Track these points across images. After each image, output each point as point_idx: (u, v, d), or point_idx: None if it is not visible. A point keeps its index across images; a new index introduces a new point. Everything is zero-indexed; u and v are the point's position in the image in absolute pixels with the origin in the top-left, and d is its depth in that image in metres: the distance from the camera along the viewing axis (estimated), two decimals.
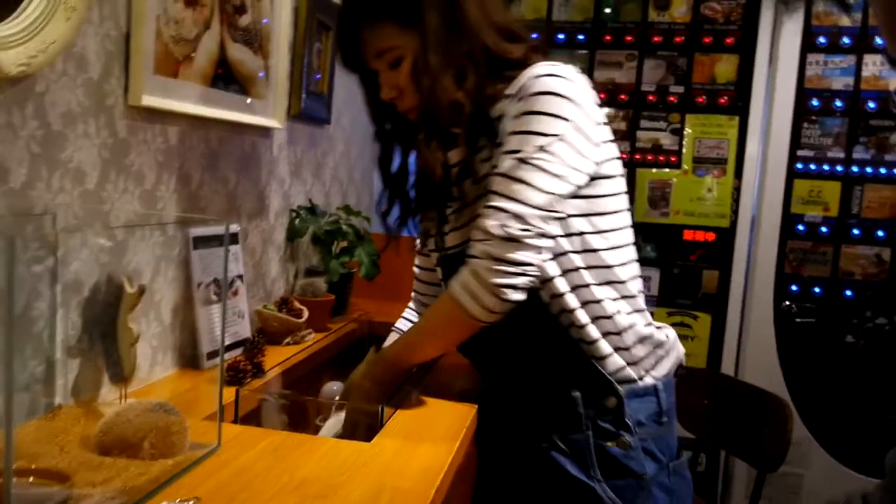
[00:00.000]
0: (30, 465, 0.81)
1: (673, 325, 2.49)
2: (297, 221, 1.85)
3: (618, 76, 2.57)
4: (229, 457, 0.97)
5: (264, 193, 1.72)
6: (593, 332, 1.11)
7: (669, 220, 2.55)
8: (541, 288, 1.10)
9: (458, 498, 1.17)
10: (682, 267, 2.56)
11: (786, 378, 2.45)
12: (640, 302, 1.18)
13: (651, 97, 2.54)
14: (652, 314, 1.22)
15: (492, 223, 1.03)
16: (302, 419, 1.39)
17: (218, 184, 1.50)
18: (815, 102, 2.42)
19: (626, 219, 1.17)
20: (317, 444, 1.05)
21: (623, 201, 1.16)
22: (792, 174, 2.46)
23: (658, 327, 1.20)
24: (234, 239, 1.55)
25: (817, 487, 2.46)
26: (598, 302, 1.11)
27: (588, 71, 2.60)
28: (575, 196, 1.09)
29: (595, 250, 1.12)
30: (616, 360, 1.12)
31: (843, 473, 2.42)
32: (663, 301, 2.56)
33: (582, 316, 1.11)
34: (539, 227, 1.03)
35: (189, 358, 1.39)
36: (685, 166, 2.54)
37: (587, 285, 1.11)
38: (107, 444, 0.91)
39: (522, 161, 1.04)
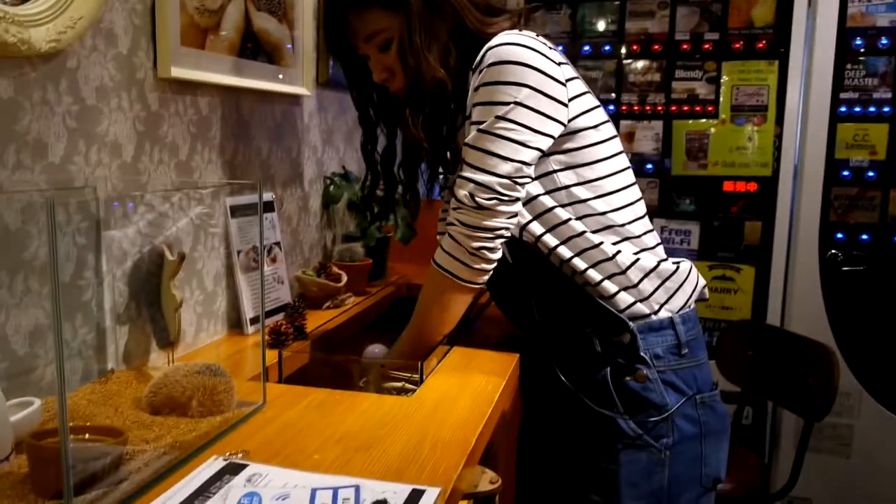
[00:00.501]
0: (85, 423, 0.85)
1: (714, 279, 2.49)
2: (331, 188, 1.87)
3: (650, 26, 2.51)
4: (274, 413, 1.00)
5: (297, 161, 1.74)
6: (595, 274, 1.15)
7: (708, 171, 2.50)
8: (535, 244, 1.16)
9: (503, 447, 1.19)
10: (723, 219, 2.51)
11: (833, 329, 2.40)
12: (648, 240, 1.21)
13: (685, 46, 2.48)
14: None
15: (463, 193, 1.09)
16: (344, 380, 1.42)
17: (251, 153, 1.52)
18: (858, 41, 2.33)
19: (618, 163, 1.19)
20: (359, 399, 1.07)
21: (613, 147, 1.19)
22: (835, 118, 2.38)
23: (674, 261, 1.21)
24: (269, 207, 1.57)
25: (868, 438, 2.42)
26: (596, 246, 1.15)
27: (619, 22, 2.54)
28: (555, 152, 1.14)
29: (583, 200, 1.15)
30: (624, 298, 1.15)
31: (894, 423, 2.38)
32: (704, 255, 2.52)
33: (579, 262, 1.14)
34: (506, 195, 1.08)
35: (233, 323, 1.43)
36: (723, 116, 2.48)
37: (580, 234, 1.15)
38: (157, 404, 0.95)
39: (485, 132, 1.09)
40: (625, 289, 1.15)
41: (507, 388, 1.15)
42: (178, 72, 1.22)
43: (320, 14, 1.78)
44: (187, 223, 1.30)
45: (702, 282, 1.25)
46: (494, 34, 1.15)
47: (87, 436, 0.79)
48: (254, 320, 1.43)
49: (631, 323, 1.14)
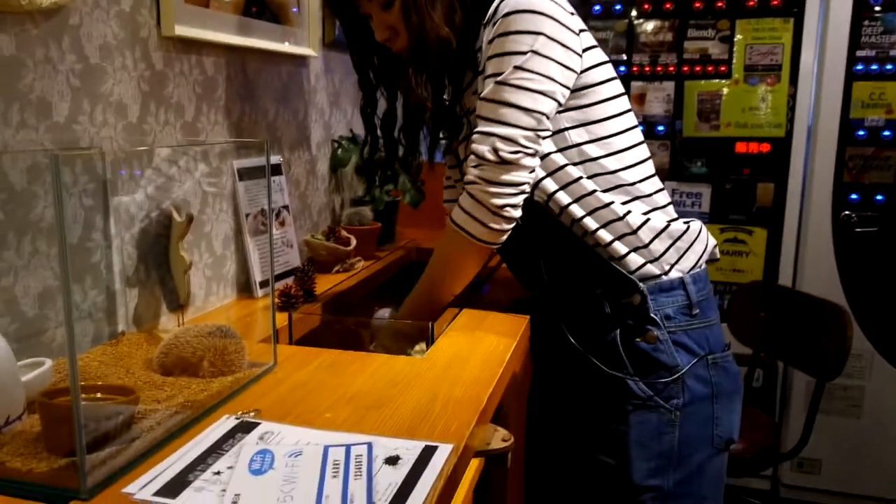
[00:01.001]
0: (96, 383, 0.85)
1: (725, 241, 2.47)
2: (339, 152, 1.85)
3: None
4: (285, 374, 1.00)
5: (304, 124, 1.72)
6: (605, 235, 1.13)
7: (720, 133, 2.46)
8: (547, 203, 1.14)
9: (514, 407, 1.19)
10: (735, 181, 2.48)
11: (845, 290, 2.38)
12: (658, 199, 1.19)
13: (698, 4, 2.42)
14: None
15: (483, 148, 1.06)
16: (354, 342, 1.42)
17: (258, 115, 1.50)
18: None
19: (628, 121, 1.17)
20: (370, 359, 1.06)
21: (622, 104, 1.17)
22: (851, 77, 2.33)
23: (684, 222, 1.20)
24: (277, 170, 1.56)
25: (879, 399, 2.41)
26: (607, 206, 1.13)
27: None
28: (567, 109, 1.12)
29: (594, 159, 1.14)
30: (635, 259, 1.14)
31: None
32: (716, 217, 2.50)
33: (590, 223, 1.13)
34: (529, 147, 1.06)
35: (243, 287, 1.43)
36: (736, 76, 2.43)
37: (591, 192, 1.13)
38: (168, 365, 0.95)
39: (503, 84, 1.06)
40: (635, 249, 1.14)
41: (518, 348, 1.15)
42: (182, 30, 1.20)
43: None
44: (195, 185, 1.29)
45: (712, 241, 1.24)
46: None
47: (98, 395, 0.78)
48: (263, 284, 1.42)
49: (641, 284, 1.13)
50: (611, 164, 1.14)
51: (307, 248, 1.66)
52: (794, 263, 2.46)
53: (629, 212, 1.14)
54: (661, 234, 1.15)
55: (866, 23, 2.31)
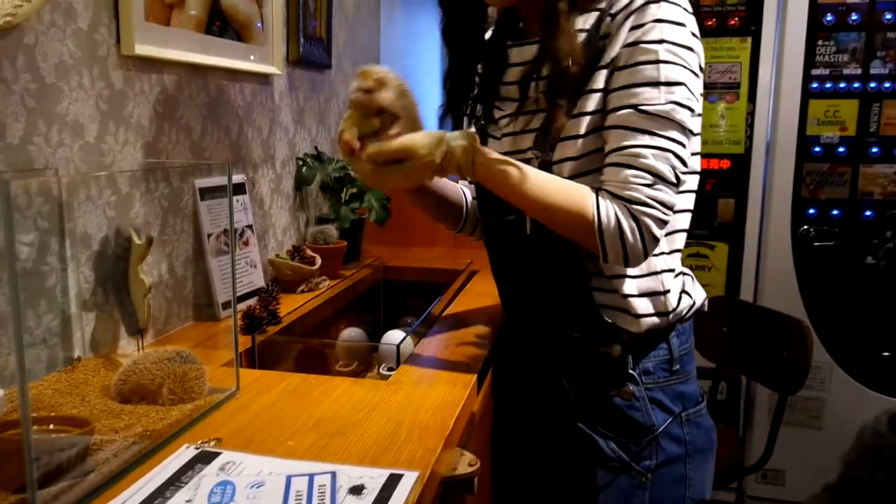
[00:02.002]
0: (50, 413, 0.82)
1: (689, 256, 2.50)
2: (304, 169, 1.83)
3: None
4: (248, 400, 0.98)
5: (269, 142, 1.70)
6: (614, 283, 1.01)
7: None
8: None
9: (477, 438, 1.18)
10: (697, 197, 2.51)
11: (805, 303, 2.43)
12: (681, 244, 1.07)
13: None
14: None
15: (663, 167, 0.90)
16: (319, 364, 1.40)
17: (221, 133, 1.48)
18: (829, 17, 2.34)
19: (696, 161, 1.03)
20: (334, 384, 1.05)
21: (697, 162, 1.03)
22: (807, 94, 2.39)
23: (675, 273, 1.06)
24: (240, 189, 1.54)
25: (839, 410, 2.46)
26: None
27: None
28: None
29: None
30: (643, 304, 1.01)
31: (864, 395, 2.42)
32: None
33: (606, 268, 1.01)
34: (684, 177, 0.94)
35: (205, 309, 1.40)
36: None
37: None
38: (126, 392, 0.92)
39: (677, 104, 0.91)
40: (652, 294, 1.01)
41: (482, 376, 1.14)
42: (142, 49, 1.18)
43: None
44: (155, 205, 1.27)
45: (703, 293, 1.11)
46: None
47: (51, 426, 0.76)
48: (227, 305, 1.40)
49: (624, 334, 1.01)
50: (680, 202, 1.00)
51: (271, 268, 1.64)
52: (755, 277, 2.50)
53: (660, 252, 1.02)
54: (677, 278, 1.04)
55: (820, 43, 2.37)
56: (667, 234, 1.01)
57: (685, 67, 0.92)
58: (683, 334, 1.07)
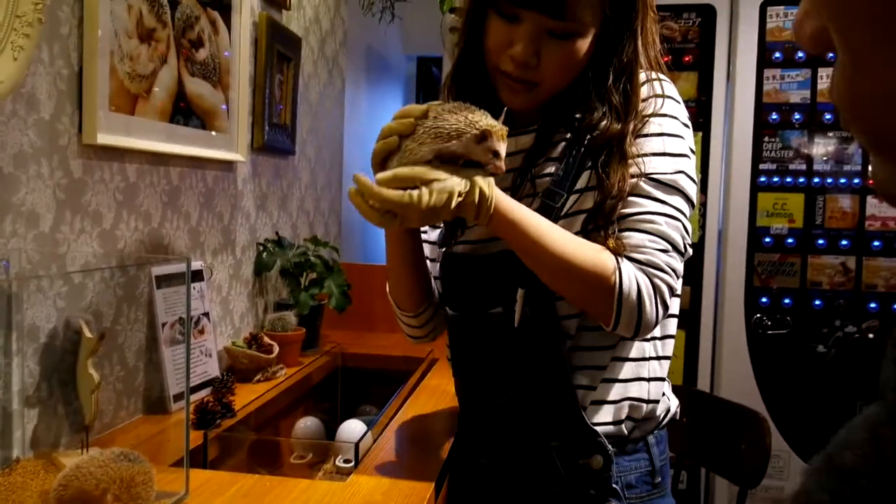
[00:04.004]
0: None
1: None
2: (264, 255, 1.82)
3: None
4: None
5: (229, 228, 1.69)
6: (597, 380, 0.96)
7: None
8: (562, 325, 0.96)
9: None
10: None
11: (761, 391, 2.46)
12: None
13: None
14: None
15: (675, 235, 0.90)
16: (276, 459, 1.35)
17: (180, 220, 1.47)
18: (774, 116, 2.46)
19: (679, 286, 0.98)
20: (289, 486, 1.01)
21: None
22: (756, 187, 2.49)
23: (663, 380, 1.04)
24: (198, 276, 1.51)
25: None
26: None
27: None
28: None
29: None
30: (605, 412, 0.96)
31: None
32: None
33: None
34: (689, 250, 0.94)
35: (156, 401, 1.35)
36: None
37: None
38: (66, 499, 0.87)
39: (682, 173, 0.92)
40: (635, 400, 0.97)
41: (441, 477, 1.11)
42: (104, 138, 1.18)
43: (257, 78, 1.77)
44: (109, 294, 1.23)
45: (675, 402, 1.07)
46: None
47: None
48: (178, 397, 1.35)
49: (610, 446, 0.94)
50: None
51: (227, 356, 1.59)
52: (711, 364, 2.53)
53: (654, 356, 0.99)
54: (661, 383, 1.00)
55: (766, 139, 2.49)
56: (661, 338, 0.98)
57: (686, 142, 0.94)
58: (662, 442, 1.02)
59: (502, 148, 0.86)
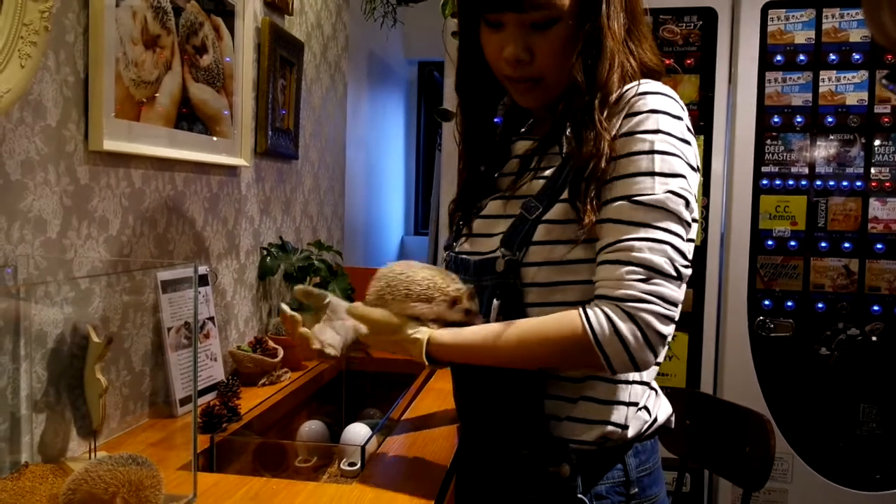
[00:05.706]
0: None
1: None
2: (268, 259, 1.83)
3: None
4: None
5: (233, 233, 1.70)
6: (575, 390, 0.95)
7: None
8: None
9: None
10: None
11: (764, 393, 2.46)
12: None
13: None
14: None
15: (659, 260, 0.86)
16: (281, 462, 1.36)
17: (185, 225, 1.47)
18: (776, 119, 2.47)
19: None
20: (296, 489, 1.02)
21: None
22: (758, 190, 2.49)
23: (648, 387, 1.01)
24: (203, 280, 1.52)
25: (801, 501, 2.46)
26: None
27: None
28: None
29: None
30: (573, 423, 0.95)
31: (825, 486, 2.42)
32: None
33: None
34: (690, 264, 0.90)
35: (162, 405, 1.35)
36: None
37: None
38: (76, 503, 0.88)
39: (673, 193, 0.88)
40: (615, 403, 0.95)
41: (447, 479, 1.11)
42: (110, 144, 1.18)
43: (260, 83, 1.77)
44: (116, 300, 1.24)
45: (667, 409, 1.05)
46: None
47: None
48: (185, 401, 1.36)
49: (573, 453, 0.93)
50: None
51: (232, 360, 1.60)
52: (714, 367, 2.53)
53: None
54: (644, 391, 0.98)
55: (768, 141, 2.49)
56: None
57: (681, 159, 0.89)
58: (643, 453, 0.98)
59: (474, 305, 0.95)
